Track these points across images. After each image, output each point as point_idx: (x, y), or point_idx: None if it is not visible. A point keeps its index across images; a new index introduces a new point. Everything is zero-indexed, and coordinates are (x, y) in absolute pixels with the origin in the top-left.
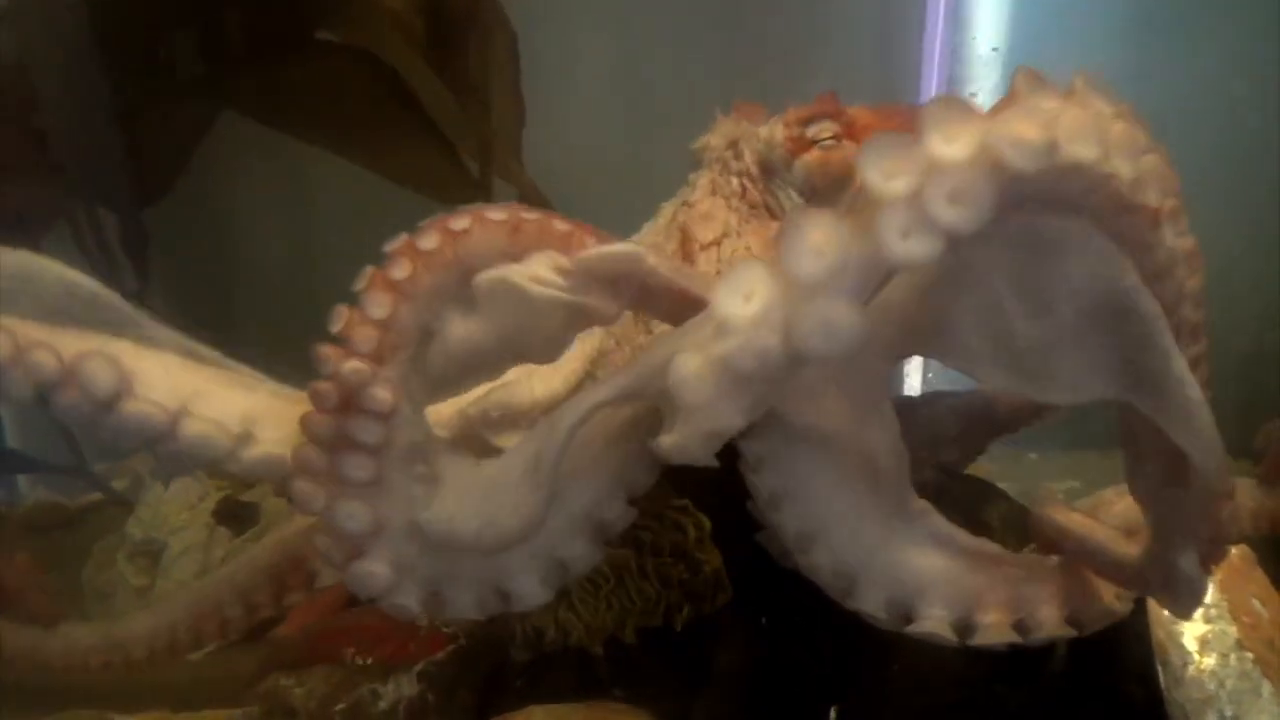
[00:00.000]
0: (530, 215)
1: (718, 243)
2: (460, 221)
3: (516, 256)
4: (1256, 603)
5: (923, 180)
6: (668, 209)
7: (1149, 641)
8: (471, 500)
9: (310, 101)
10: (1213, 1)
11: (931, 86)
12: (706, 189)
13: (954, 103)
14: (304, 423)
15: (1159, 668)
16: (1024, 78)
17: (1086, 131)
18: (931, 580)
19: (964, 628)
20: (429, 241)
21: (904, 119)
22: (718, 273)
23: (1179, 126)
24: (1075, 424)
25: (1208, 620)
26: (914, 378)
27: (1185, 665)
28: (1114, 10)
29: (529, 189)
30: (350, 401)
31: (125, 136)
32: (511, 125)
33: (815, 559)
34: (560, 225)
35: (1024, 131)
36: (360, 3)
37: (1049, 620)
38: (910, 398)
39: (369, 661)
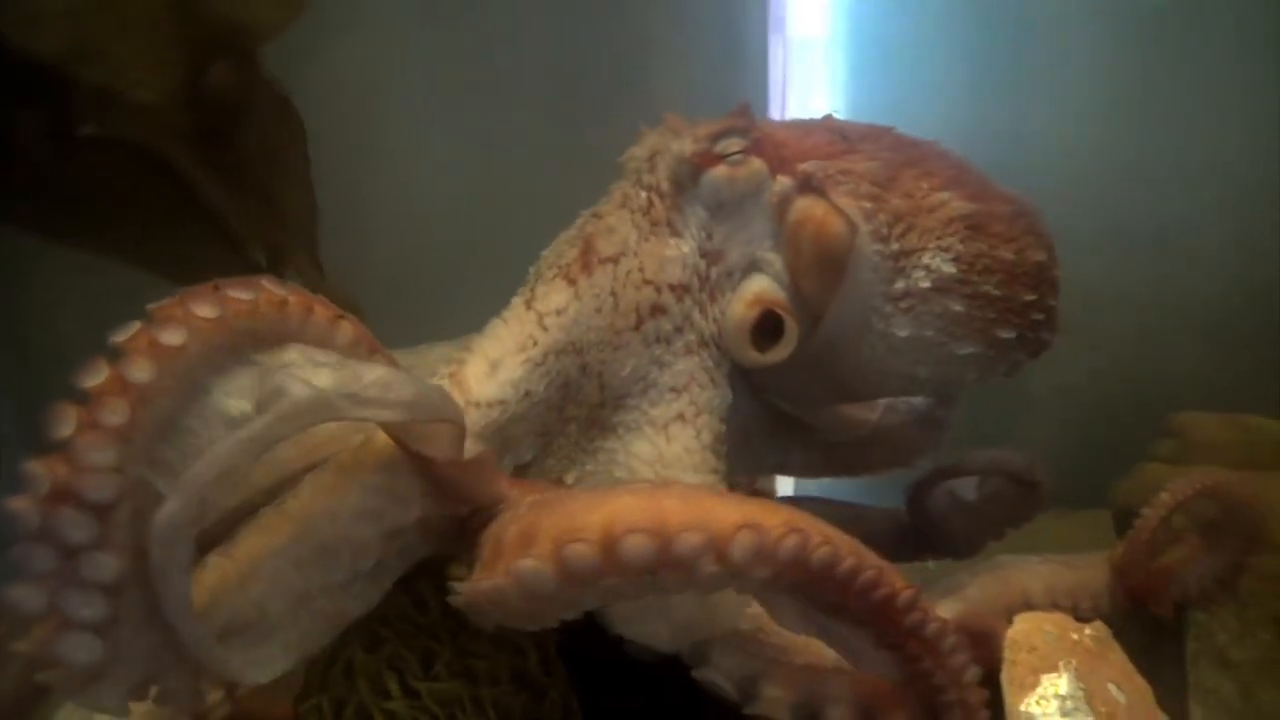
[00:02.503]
0: (242, 295)
1: (615, 259)
2: (172, 335)
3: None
4: (1113, 688)
5: None
6: (583, 217)
7: None
8: None
9: (80, 203)
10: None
11: None
12: (618, 201)
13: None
14: None
15: None
16: None
17: None
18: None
19: (746, 693)
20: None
21: (819, 136)
22: (612, 293)
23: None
24: None
25: (1064, 714)
26: None
27: None
28: (958, 68)
29: (328, 292)
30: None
31: None
32: (303, 220)
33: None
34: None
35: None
36: (118, 96)
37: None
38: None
39: None
